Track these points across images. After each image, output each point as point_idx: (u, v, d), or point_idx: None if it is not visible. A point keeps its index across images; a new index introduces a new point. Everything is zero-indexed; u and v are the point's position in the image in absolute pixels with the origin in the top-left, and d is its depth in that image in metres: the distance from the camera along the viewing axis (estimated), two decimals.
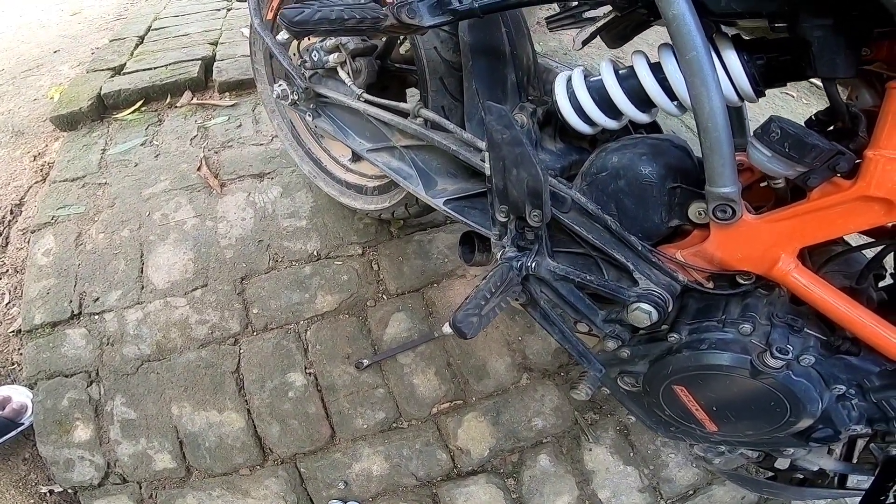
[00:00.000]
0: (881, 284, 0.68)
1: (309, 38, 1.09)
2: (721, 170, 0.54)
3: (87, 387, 1.17)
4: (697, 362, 0.63)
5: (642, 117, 0.68)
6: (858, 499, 0.66)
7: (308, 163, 1.42)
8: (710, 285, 0.65)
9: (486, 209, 0.84)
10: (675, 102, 0.64)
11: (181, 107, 1.84)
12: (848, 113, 0.55)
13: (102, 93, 1.81)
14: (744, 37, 0.62)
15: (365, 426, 1.14)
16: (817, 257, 0.66)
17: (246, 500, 1.06)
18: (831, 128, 0.62)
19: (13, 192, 1.60)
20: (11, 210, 1.55)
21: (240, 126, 1.75)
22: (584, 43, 0.72)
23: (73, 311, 1.27)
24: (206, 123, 1.77)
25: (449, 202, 0.87)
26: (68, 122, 1.76)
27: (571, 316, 0.74)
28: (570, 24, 0.76)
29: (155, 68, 1.94)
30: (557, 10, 0.76)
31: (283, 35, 1.04)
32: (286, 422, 1.14)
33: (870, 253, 0.63)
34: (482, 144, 0.77)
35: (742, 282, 0.63)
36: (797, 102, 2.25)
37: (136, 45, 2.17)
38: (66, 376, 1.18)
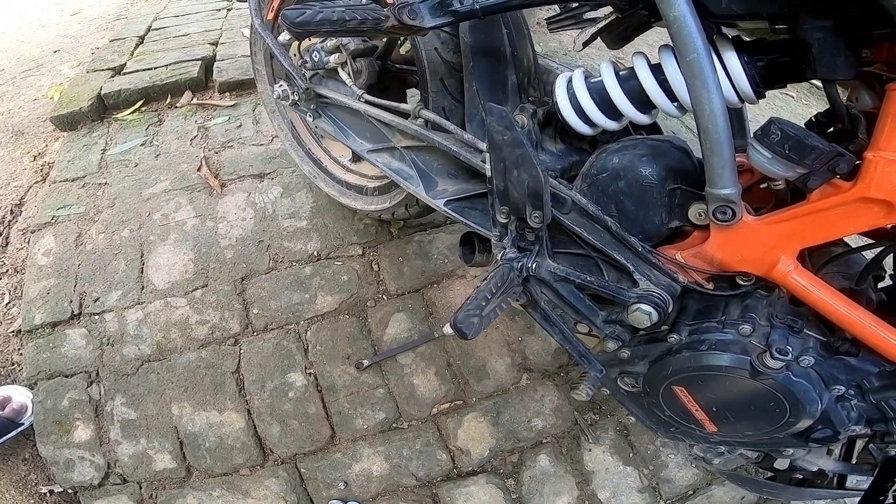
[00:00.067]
0: (880, 285, 0.68)
1: (310, 39, 1.09)
2: (721, 171, 0.54)
3: (88, 387, 1.17)
4: (697, 363, 0.63)
5: (643, 118, 0.69)
6: (857, 499, 0.66)
7: (308, 163, 1.42)
8: (710, 286, 0.65)
9: (486, 210, 0.84)
10: (676, 104, 0.64)
11: (181, 107, 1.84)
12: (848, 114, 0.56)
13: (102, 93, 1.81)
14: (744, 38, 0.62)
15: (365, 426, 1.14)
16: (817, 258, 0.66)
17: (246, 501, 1.06)
18: (831, 129, 0.62)
19: (13, 192, 1.60)
20: (11, 210, 1.55)
21: (240, 126, 1.75)
22: (585, 44, 0.72)
23: (73, 312, 1.27)
24: (207, 123, 1.77)
25: (449, 203, 0.87)
26: (68, 122, 1.76)
27: (572, 317, 0.74)
28: (571, 24, 0.76)
29: (155, 68, 1.94)
30: (558, 10, 0.76)
31: (284, 36, 1.04)
32: (286, 422, 1.14)
33: (869, 254, 0.64)
34: (483, 145, 0.77)
35: (742, 283, 0.63)
36: (797, 103, 2.25)
37: (137, 45, 2.17)
38: (67, 376, 1.18)
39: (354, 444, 1.13)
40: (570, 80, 0.73)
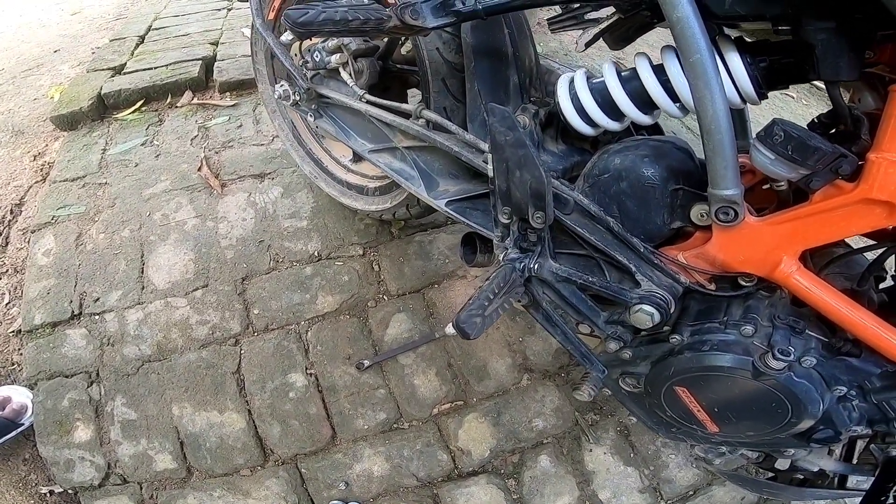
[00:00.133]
0: (882, 286, 0.69)
1: (311, 39, 1.09)
2: (724, 172, 0.54)
3: (88, 387, 1.16)
4: (699, 363, 0.63)
5: (645, 119, 0.69)
6: (858, 499, 0.66)
7: (309, 163, 1.42)
8: (712, 287, 0.65)
9: (487, 210, 0.84)
10: (678, 104, 0.64)
11: (182, 107, 1.84)
12: (850, 116, 0.56)
13: (103, 92, 1.81)
14: (746, 39, 0.62)
15: (366, 427, 1.14)
16: (818, 259, 0.66)
17: (247, 501, 1.06)
18: (833, 131, 0.62)
19: (13, 192, 1.60)
20: (11, 210, 1.55)
21: (240, 126, 1.75)
22: (588, 45, 0.72)
23: (73, 312, 1.26)
24: (207, 123, 1.76)
25: (451, 203, 0.87)
26: (68, 122, 1.76)
27: (573, 317, 0.74)
28: (572, 25, 0.76)
29: (155, 68, 1.93)
30: (559, 11, 0.76)
31: (287, 35, 1.04)
32: (287, 422, 1.14)
33: (871, 255, 0.64)
34: (484, 146, 0.77)
35: (744, 284, 0.63)
36: (797, 103, 2.26)
37: (137, 45, 2.17)
38: (67, 377, 1.18)
39: (355, 444, 1.13)
40: (571, 81, 0.73)
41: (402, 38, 1.04)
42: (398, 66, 1.06)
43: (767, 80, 0.59)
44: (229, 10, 2.46)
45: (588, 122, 0.73)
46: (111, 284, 1.31)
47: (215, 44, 2.12)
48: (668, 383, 0.68)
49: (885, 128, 0.48)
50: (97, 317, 1.26)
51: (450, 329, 0.65)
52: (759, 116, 1.77)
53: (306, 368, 1.20)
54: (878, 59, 0.53)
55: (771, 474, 0.82)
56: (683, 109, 0.65)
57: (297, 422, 1.14)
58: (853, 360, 0.60)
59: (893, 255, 0.62)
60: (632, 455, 1.14)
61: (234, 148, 1.66)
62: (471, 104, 0.85)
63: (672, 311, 0.65)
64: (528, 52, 0.85)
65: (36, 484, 1.08)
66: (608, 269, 0.70)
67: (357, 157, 1.34)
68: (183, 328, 1.25)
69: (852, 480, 0.78)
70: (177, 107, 1.84)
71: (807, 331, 0.61)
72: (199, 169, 1.58)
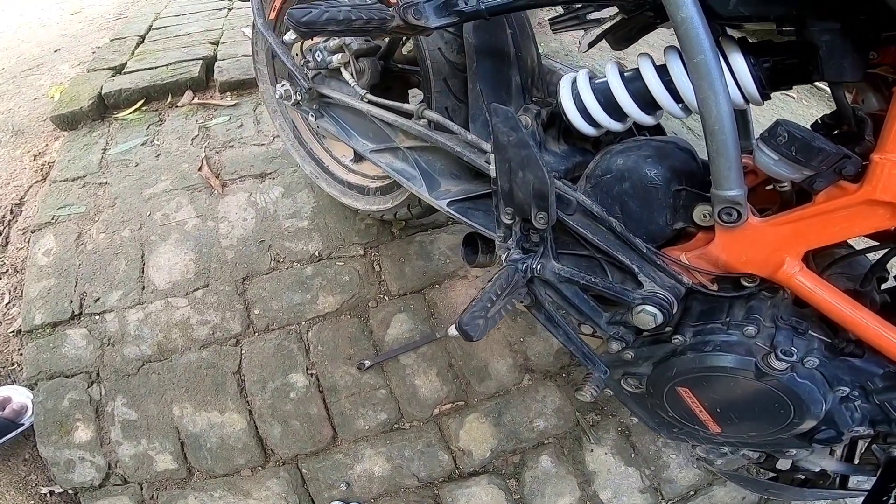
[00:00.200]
0: (884, 287, 0.69)
1: (312, 39, 1.09)
2: (727, 173, 0.54)
3: (88, 387, 1.16)
4: (702, 364, 0.63)
5: (647, 119, 0.69)
6: (859, 499, 0.66)
7: (310, 163, 1.42)
8: (715, 288, 0.65)
9: (489, 210, 0.84)
10: (681, 105, 0.64)
11: (182, 106, 1.84)
12: (854, 117, 0.56)
13: (103, 92, 1.80)
14: (749, 40, 0.62)
15: (367, 427, 1.14)
16: (820, 260, 0.66)
17: (247, 501, 1.05)
18: (837, 131, 0.62)
19: (13, 192, 1.60)
20: (11, 210, 1.54)
21: (241, 126, 1.75)
22: (591, 45, 0.72)
23: (73, 312, 1.26)
24: (208, 123, 1.76)
25: (452, 203, 0.87)
26: (69, 122, 1.76)
27: (575, 318, 0.74)
28: (574, 25, 0.76)
29: (156, 68, 1.93)
30: (560, 11, 0.76)
31: (289, 35, 1.04)
32: (288, 423, 1.14)
33: (873, 256, 0.64)
34: (486, 146, 0.77)
35: (746, 284, 0.63)
36: (798, 104, 2.26)
37: (137, 45, 2.17)
38: (67, 377, 1.17)
39: (356, 444, 1.13)
40: (574, 81, 0.73)
41: (404, 38, 1.04)
42: (399, 66, 1.06)
43: (771, 80, 0.59)
44: (230, 9, 2.46)
45: (590, 123, 0.73)
46: (111, 284, 1.31)
47: (216, 43, 2.12)
48: (670, 384, 0.68)
49: (888, 129, 0.48)
50: (97, 317, 1.26)
51: (452, 331, 0.65)
52: (760, 117, 1.77)
53: (307, 369, 1.20)
54: (882, 60, 0.53)
55: (772, 474, 0.82)
56: (686, 110, 0.65)
57: (298, 422, 1.14)
58: (856, 361, 0.60)
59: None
60: (633, 455, 1.14)
61: (235, 148, 1.66)
62: (473, 104, 0.85)
63: (675, 311, 0.65)
64: (530, 53, 0.85)
65: (36, 484, 1.08)
66: (610, 270, 0.70)
67: (358, 157, 1.34)
68: (183, 328, 1.25)
69: (853, 481, 0.78)
70: (177, 106, 1.84)
71: (809, 331, 0.61)
72: (200, 169, 1.58)
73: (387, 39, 1.02)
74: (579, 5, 0.72)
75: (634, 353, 0.71)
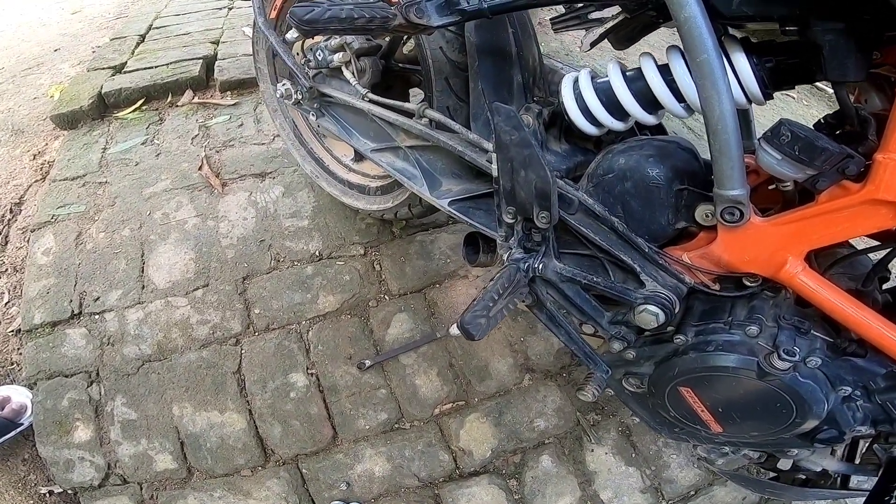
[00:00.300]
0: (886, 287, 0.69)
1: (313, 37, 1.09)
2: (730, 172, 0.54)
3: (88, 387, 1.16)
4: (704, 364, 0.63)
5: (649, 119, 0.68)
6: (860, 499, 0.66)
7: (310, 162, 1.42)
8: (717, 287, 0.65)
9: (490, 210, 0.84)
10: (683, 104, 0.64)
11: (182, 106, 1.84)
12: (857, 116, 0.56)
13: (103, 91, 1.80)
14: (752, 40, 0.62)
15: (367, 427, 1.14)
16: (822, 260, 0.66)
17: (247, 501, 1.05)
18: (840, 131, 0.62)
19: (13, 191, 1.59)
20: (11, 209, 1.54)
21: (241, 125, 1.74)
22: (593, 44, 0.72)
23: (73, 311, 1.26)
24: (208, 122, 1.76)
25: (454, 203, 0.87)
26: (69, 121, 1.75)
27: (577, 317, 0.74)
28: (576, 25, 0.76)
29: (156, 67, 1.93)
30: (561, 11, 0.76)
31: (292, 33, 1.03)
32: (288, 422, 1.13)
33: (874, 256, 0.64)
34: (488, 145, 0.77)
35: (748, 284, 0.63)
36: (798, 104, 2.26)
37: (138, 44, 2.17)
38: (66, 376, 1.17)
39: (356, 444, 1.12)
40: (576, 80, 0.73)
41: (405, 37, 1.04)
42: (400, 65, 1.06)
43: (773, 80, 0.59)
44: (230, 8, 2.46)
45: (592, 122, 0.72)
46: (111, 284, 1.31)
47: (216, 43, 2.12)
48: (672, 383, 0.68)
49: (892, 128, 0.48)
50: (97, 316, 1.26)
51: (454, 330, 0.65)
52: (760, 117, 1.77)
53: (307, 368, 1.20)
54: (885, 59, 0.53)
55: (773, 474, 0.82)
56: (688, 109, 0.65)
57: (298, 422, 1.14)
58: (858, 361, 0.60)
59: None
60: (633, 455, 1.14)
61: (235, 147, 1.66)
62: (474, 103, 0.85)
63: (676, 311, 0.65)
64: (531, 52, 0.85)
65: (35, 484, 1.08)
66: (612, 270, 0.70)
67: (359, 157, 1.34)
68: (183, 328, 1.24)
69: (855, 481, 0.78)
70: (177, 106, 1.84)
71: (812, 331, 0.61)
72: (200, 168, 1.58)
73: (388, 38, 1.02)
74: (581, 4, 0.72)
75: (636, 353, 0.71)
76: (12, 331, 1.27)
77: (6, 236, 1.48)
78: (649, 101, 0.66)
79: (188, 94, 1.86)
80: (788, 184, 0.58)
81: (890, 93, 0.54)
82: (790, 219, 0.56)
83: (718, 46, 0.50)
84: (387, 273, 1.35)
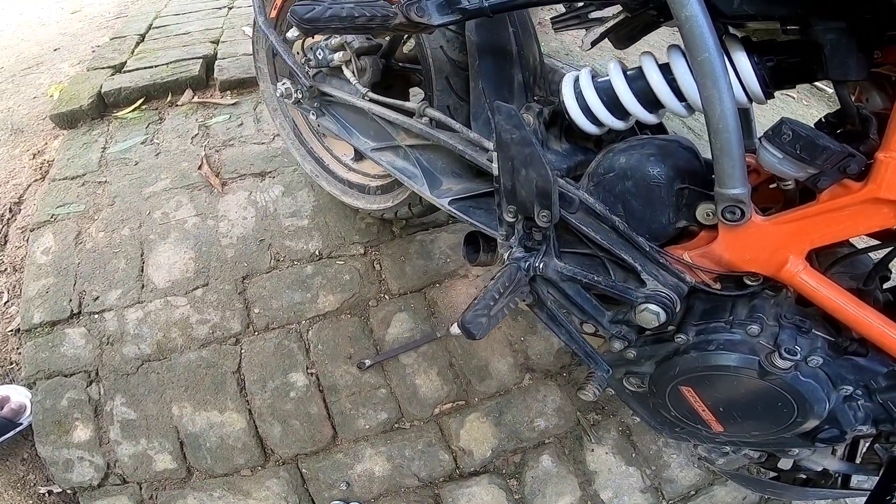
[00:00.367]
0: (887, 286, 0.69)
1: (314, 36, 1.09)
2: (731, 171, 0.54)
3: (87, 387, 1.16)
4: (705, 363, 0.63)
5: (650, 118, 0.68)
6: (861, 499, 0.66)
7: (310, 162, 1.42)
8: (718, 286, 0.65)
9: (491, 209, 0.84)
10: (684, 103, 0.64)
11: (182, 105, 1.83)
12: (858, 115, 0.56)
13: (103, 91, 1.80)
14: (752, 39, 0.62)
15: (367, 427, 1.14)
16: (823, 259, 0.66)
17: (247, 501, 1.05)
18: (841, 130, 0.62)
19: (12, 191, 1.59)
20: (10, 208, 1.54)
21: (241, 125, 1.74)
22: (594, 44, 0.72)
23: (72, 311, 1.26)
24: (208, 122, 1.76)
25: (454, 202, 0.87)
26: (68, 121, 1.75)
27: (578, 317, 0.74)
28: (576, 24, 0.76)
29: (156, 66, 1.93)
30: (561, 10, 0.76)
31: (293, 32, 1.03)
32: (288, 422, 1.13)
33: (875, 255, 0.64)
34: (488, 144, 0.77)
35: (749, 283, 0.63)
36: (798, 104, 2.26)
37: (137, 44, 2.16)
38: (66, 376, 1.17)
39: (356, 444, 1.12)
40: (576, 79, 0.73)
41: (406, 36, 1.04)
42: (401, 64, 1.06)
43: (774, 79, 0.59)
44: (230, 8, 2.45)
45: (593, 121, 0.72)
46: (111, 283, 1.31)
47: (216, 42, 2.11)
48: (672, 383, 0.67)
49: (893, 127, 0.48)
50: (96, 316, 1.25)
51: (455, 329, 0.65)
52: (760, 117, 1.77)
53: (307, 368, 1.20)
54: (886, 59, 0.53)
55: (774, 474, 0.82)
56: (689, 108, 0.64)
57: (298, 422, 1.13)
58: (859, 360, 0.60)
59: None
60: (633, 455, 1.14)
61: (235, 146, 1.66)
62: (474, 102, 0.85)
63: (677, 310, 0.65)
64: (532, 51, 0.85)
65: (34, 484, 1.07)
66: (613, 269, 0.70)
67: (358, 156, 1.34)
68: (183, 327, 1.24)
69: (855, 480, 0.78)
70: (177, 105, 1.84)
71: (813, 330, 0.60)
72: (200, 167, 1.58)
73: (388, 38, 1.02)
74: (581, 4, 0.72)
75: (637, 352, 0.71)
76: (11, 330, 1.27)
77: (5, 235, 1.47)
78: (650, 101, 0.66)
79: (188, 93, 1.86)
80: (789, 183, 0.58)
81: (891, 92, 0.54)
82: (791, 218, 0.56)
83: (719, 45, 0.50)
84: (387, 272, 1.35)
